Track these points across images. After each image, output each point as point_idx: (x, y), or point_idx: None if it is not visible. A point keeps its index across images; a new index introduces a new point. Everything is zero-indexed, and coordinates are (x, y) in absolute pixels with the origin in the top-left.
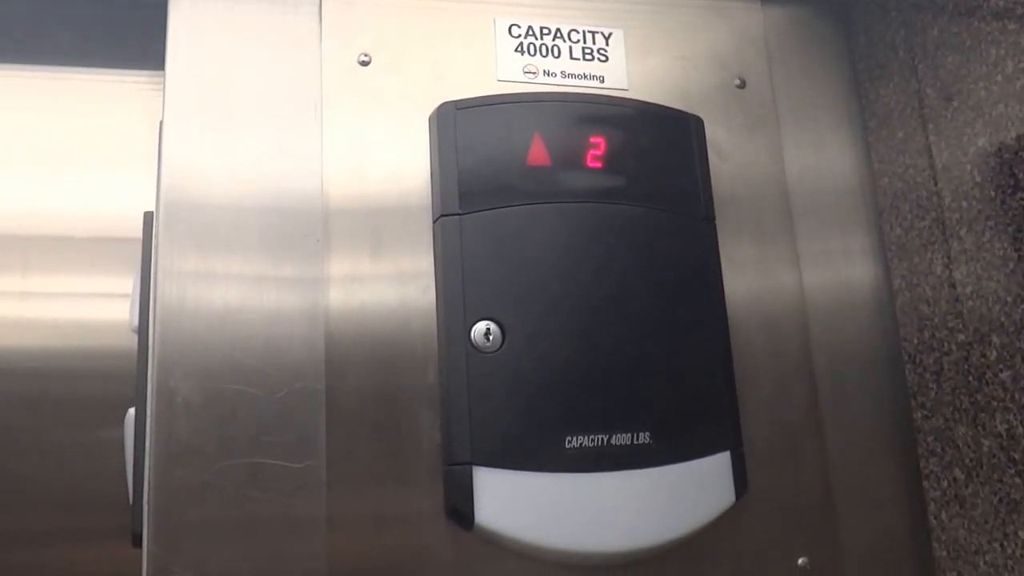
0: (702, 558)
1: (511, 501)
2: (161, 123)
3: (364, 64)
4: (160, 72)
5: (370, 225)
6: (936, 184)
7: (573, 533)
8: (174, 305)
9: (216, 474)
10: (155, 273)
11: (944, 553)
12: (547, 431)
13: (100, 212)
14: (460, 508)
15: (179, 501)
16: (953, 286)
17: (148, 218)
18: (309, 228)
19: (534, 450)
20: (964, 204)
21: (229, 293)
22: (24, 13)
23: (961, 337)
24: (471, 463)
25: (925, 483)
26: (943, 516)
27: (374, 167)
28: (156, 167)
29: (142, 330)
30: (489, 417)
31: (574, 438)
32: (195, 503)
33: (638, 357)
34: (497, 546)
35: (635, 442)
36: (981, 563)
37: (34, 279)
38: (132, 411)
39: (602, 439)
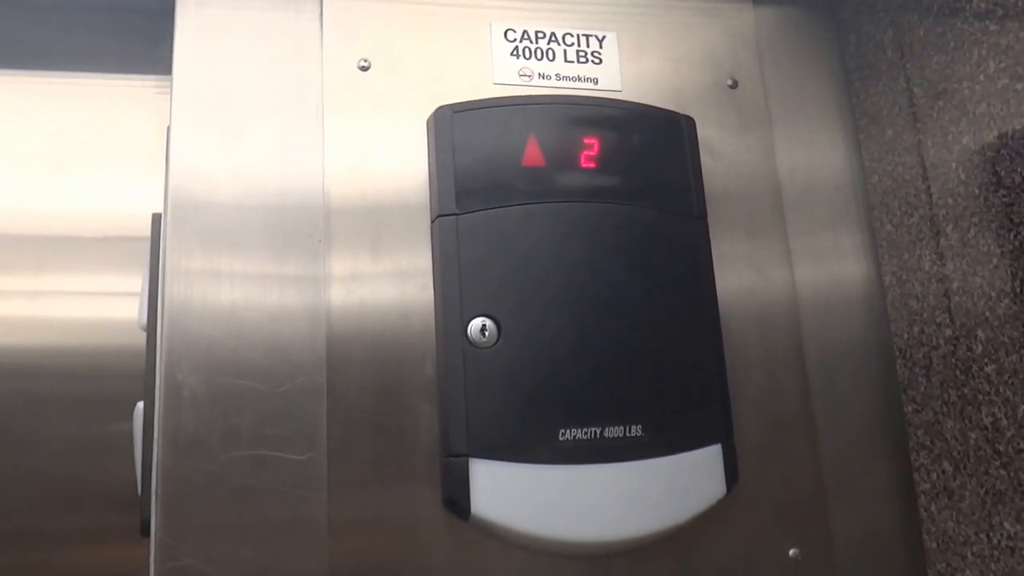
0: (694, 548)
1: (506, 492)
2: (169, 127)
3: (364, 69)
4: (167, 76)
5: (370, 225)
6: (925, 181)
7: (566, 523)
8: (181, 303)
9: (221, 465)
10: (163, 272)
11: (934, 544)
12: (541, 424)
13: (109, 212)
14: (456, 498)
15: (186, 491)
16: (941, 281)
17: (156, 219)
18: (311, 228)
19: (528, 442)
20: (950, 201)
21: (234, 291)
22: (37, 21)
23: (948, 332)
24: (467, 455)
25: (916, 476)
26: (933, 508)
27: (374, 169)
28: (164, 169)
29: (150, 327)
30: (485, 410)
31: (567, 431)
32: (201, 493)
33: (631, 352)
34: (492, 535)
35: (627, 435)
36: (969, 554)
37: (46, 278)
38: (141, 404)
39: (595, 432)
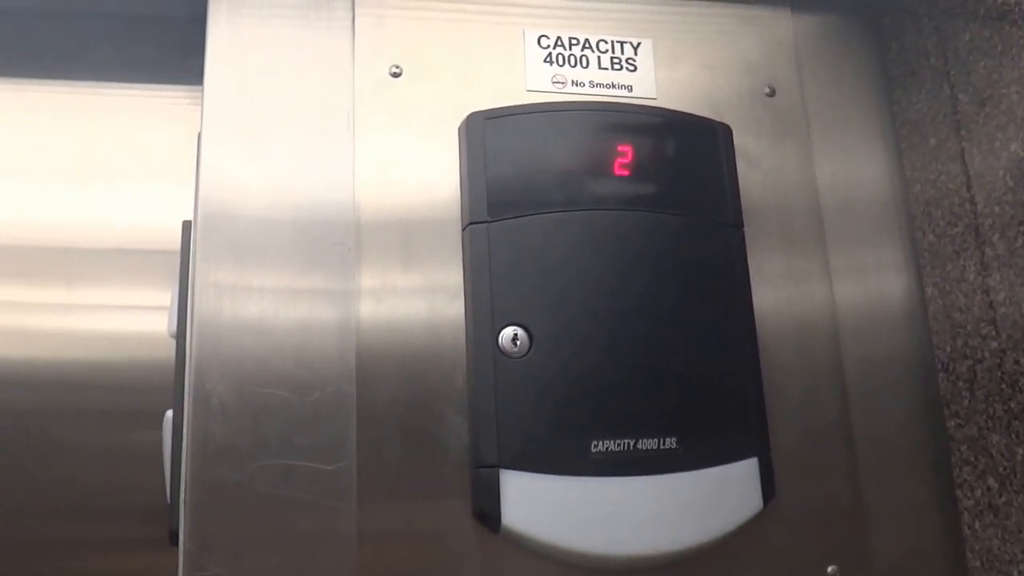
0: (730, 563)
1: (537, 504)
2: (199, 135)
3: (395, 75)
4: (198, 87)
5: (400, 234)
6: (969, 190)
7: (599, 536)
8: (211, 313)
9: (250, 474)
10: (193, 282)
11: (978, 563)
12: (573, 435)
13: (141, 224)
14: (487, 510)
15: (214, 500)
16: (986, 292)
17: (186, 227)
18: (341, 237)
19: (560, 454)
20: (996, 210)
21: (264, 301)
22: (68, 31)
23: (994, 344)
24: (498, 466)
25: (958, 492)
26: (977, 525)
27: (404, 177)
28: (194, 177)
29: (180, 335)
30: (516, 421)
31: (600, 442)
32: (230, 502)
33: (665, 362)
34: (523, 548)
35: (661, 447)
36: (1015, 573)
37: (78, 291)
38: (170, 413)
39: (628, 444)
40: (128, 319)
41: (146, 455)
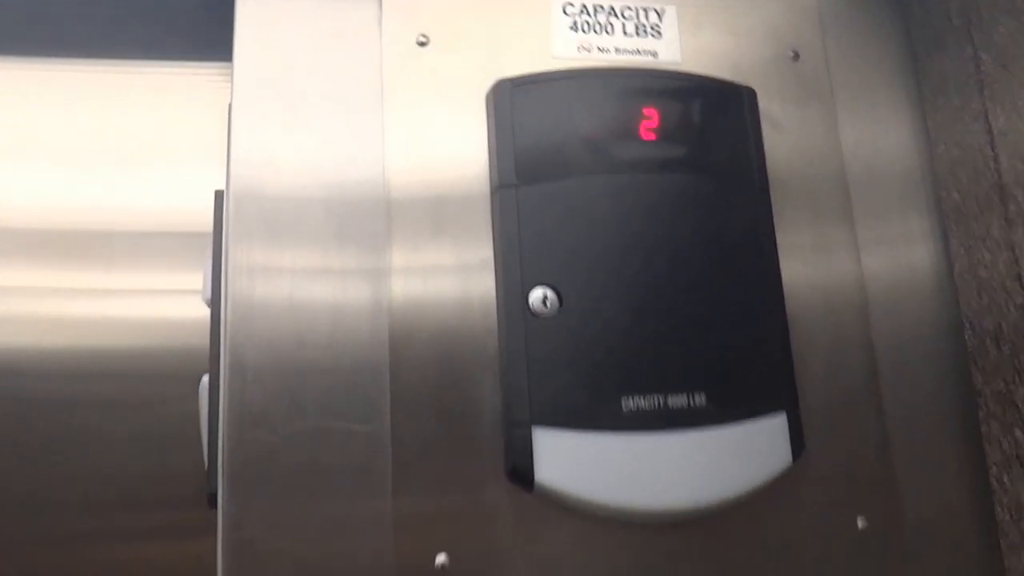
0: (760, 517)
1: (570, 460)
2: (230, 106)
3: (422, 45)
4: (230, 63)
5: (430, 209)
6: (993, 149)
7: (630, 491)
8: (243, 292)
9: (286, 437)
10: (226, 260)
11: (1007, 515)
12: (604, 392)
13: (177, 206)
14: (520, 468)
15: (251, 462)
16: (1011, 248)
17: (219, 196)
18: (372, 207)
19: (591, 411)
20: (1020, 166)
21: (296, 279)
22: (98, 9)
23: (1019, 299)
24: (530, 423)
25: (986, 445)
26: (1005, 479)
27: (433, 146)
28: (226, 150)
29: (215, 300)
30: (547, 379)
31: (630, 399)
32: (266, 464)
33: (693, 320)
34: (557, 505)
35: (691, 403)
36: None
37: (117, 275)
38: (206, 377)
39: (658, 400)
40: (166, 303)
41: (186, 441)
